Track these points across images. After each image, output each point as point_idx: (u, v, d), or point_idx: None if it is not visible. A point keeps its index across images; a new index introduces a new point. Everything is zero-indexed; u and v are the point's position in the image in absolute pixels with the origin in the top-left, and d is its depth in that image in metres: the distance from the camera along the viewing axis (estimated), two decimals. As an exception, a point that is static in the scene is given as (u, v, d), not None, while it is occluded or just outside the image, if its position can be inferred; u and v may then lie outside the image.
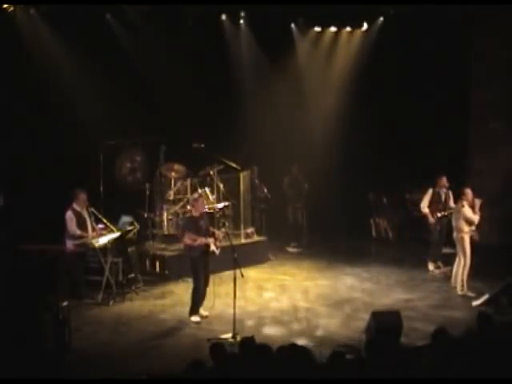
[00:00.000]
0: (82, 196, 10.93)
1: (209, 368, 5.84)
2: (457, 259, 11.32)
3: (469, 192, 11.19)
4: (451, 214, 11.95)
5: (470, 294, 10.94)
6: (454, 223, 11.36)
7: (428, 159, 14.51)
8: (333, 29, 15.83)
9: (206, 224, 9.99)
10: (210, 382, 5.63)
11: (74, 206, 10.89)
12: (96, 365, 8.12)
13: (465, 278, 11.12)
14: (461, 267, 11.14)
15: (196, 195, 10.95)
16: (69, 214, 10.81)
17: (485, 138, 14.96)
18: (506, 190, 14.43)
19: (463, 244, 11.12)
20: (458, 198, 11.81)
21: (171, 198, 12.75)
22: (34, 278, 8.63)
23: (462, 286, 11.13)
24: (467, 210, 11.11)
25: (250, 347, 6.19)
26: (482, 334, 6.74)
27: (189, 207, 11.71)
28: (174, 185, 12.82)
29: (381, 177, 15.11)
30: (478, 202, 11.18)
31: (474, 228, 11.19)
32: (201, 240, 9.74)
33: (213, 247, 9.79)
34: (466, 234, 11.12)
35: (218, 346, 6.41)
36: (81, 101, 12.81)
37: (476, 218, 11.11)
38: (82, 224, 10.90)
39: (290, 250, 14.69)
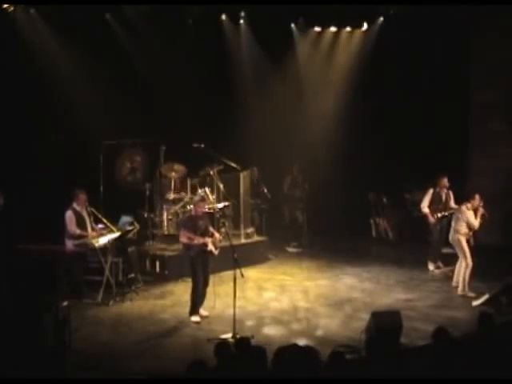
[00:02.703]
0: (82, 196, 10.92)
1: (210, 368, 5.83)
2: (459, 260, 11.35)
3: (477, 197, 11.25)
4: (451, 214, 11.99)
5: (470, 294, 10.94)
6: (452, 223, 11.39)
7: (428, 159, 14.49)
8: (333, 29, 15.83)
9: (205, 224, 9.98)
10: (211, 382, 5.62)
11: (74, 205, 10.89)
12: (96, 365, 8.10)
13: (467, 278, 11.11)
14: (463, 268, 11.15)
15: (199, 197, 10.88)
16: (69, 214, 10.81)
17: (485, 137, 14.96)
18: (506, 191, 14.42)
19: (461, 245, 11.16)
20: (458, 198, 11.82)
21: (171, 197, 12.75)
22: (33, 277, 8.60)
23: (464, 286, 11.14)
24: (470, 214, 11.18)
25: (246, 348, 6.18)
26: (482, 334, 6.74)
27: (191, 206, 11.65)
28: (174, 185, 12.81)
29: (381, 177, 15.10)
30: (481, 210, 11.24)
31: (471, 233, 11.26)
32: (198, 239, 9.74)
33: (211, 247, 9.79)
34: (462, 236, 11.17)
35: (223, 346, 6.39)
36: (81, 101, 12.82)
37: (476, 224, 11.18)
38: (81, 224, 10.89)
39: (290, 249, 14.68)
